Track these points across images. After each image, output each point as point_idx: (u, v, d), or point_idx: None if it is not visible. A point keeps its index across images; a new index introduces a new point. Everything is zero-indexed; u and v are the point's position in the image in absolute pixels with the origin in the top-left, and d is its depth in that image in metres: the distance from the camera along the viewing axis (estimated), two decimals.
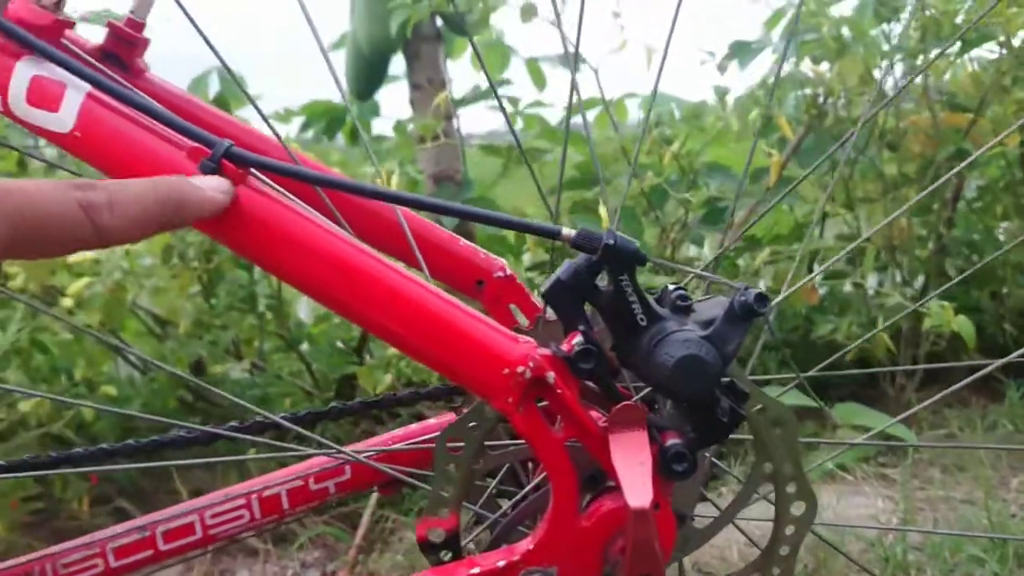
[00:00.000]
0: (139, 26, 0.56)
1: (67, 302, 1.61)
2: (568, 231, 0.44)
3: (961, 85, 1.91)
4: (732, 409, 0.46)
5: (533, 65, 2.47)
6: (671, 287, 0.47)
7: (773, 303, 0.47)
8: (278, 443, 0.62)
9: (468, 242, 0.65)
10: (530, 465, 0.62)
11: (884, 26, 2.04)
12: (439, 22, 2.34)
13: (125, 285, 1.61)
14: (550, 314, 0.48)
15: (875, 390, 1.95)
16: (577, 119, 2.23)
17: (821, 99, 1.90)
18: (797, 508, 0.51)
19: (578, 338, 0.44)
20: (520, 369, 0.43)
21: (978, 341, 1.56)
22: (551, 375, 0.44)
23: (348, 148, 2.60)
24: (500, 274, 0.64)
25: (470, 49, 2.43)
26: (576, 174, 2.41)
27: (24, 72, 0.43)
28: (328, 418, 0.65)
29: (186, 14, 0.50)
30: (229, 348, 1.85)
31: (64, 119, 0.43)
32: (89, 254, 1.58)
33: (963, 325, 1.50)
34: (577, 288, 0.45)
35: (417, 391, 0.66)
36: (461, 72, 2.38)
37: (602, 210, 1.51)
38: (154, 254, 1.58)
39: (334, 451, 0.59)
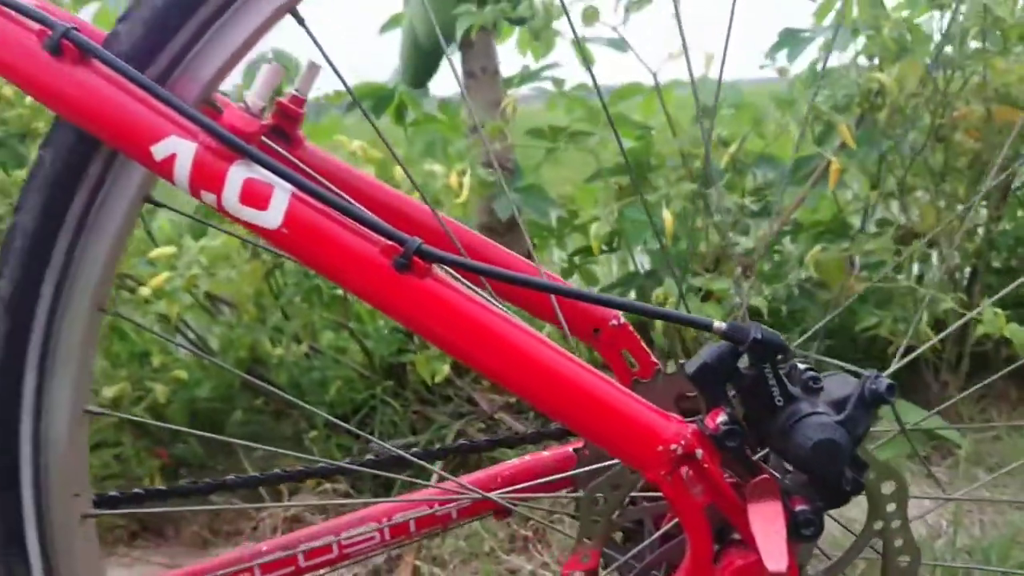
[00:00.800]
0: (301, 102, 0.61)
1: (144, 291, 1.68)
2: (719, 324, 0.49)
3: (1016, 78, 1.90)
4: (854, 479, 0.52)
5: (578, 46, 2.48)
6: (801, 367, 0.52)
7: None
8: (415, 480, 0.68)
9: (573, 285, 0.70)
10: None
11: (936, 13, 2.04)
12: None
13: (199, 278, 1.68)
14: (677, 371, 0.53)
15: (919, 387, 1.99)
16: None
17: (876, 95, 1.91)
18: (903, 560, 0.56)
19: (722, 417, 0.50)
20: (673, 447, 0.49)
21: None
22: (699, 452, 0.49)
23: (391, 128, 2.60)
24: (615, 323, 0.70)
25: (516, 31, 2.43)
26: (624, 161, 2.43)
27: (237, 175, 0.49)
28: (456, 453, 0.71)
29: (303, 26, 0.55)
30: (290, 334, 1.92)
31: (272, 217, 0.48)
32: (167, 249, 1.65)
33: (1016, 332, 1.53)
34: (721, 371, 0.50)
35: (540, 431, 0.71)
36: (506, 54, 2.39)
37: (667, 214, 1.55)
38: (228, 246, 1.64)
39: (479, 495, 0.65)
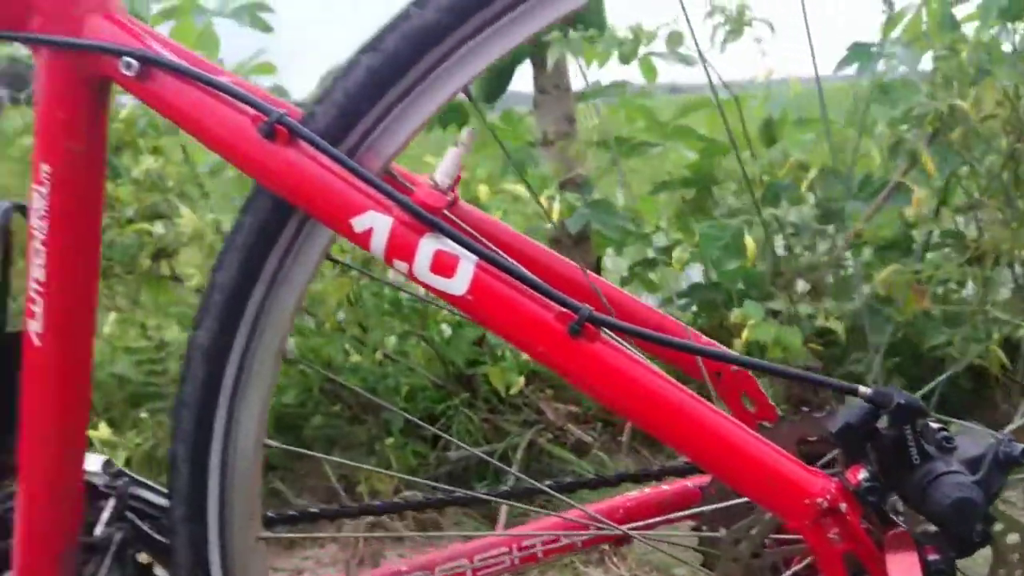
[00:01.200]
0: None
1: None
2: (865, 390, 0.53)
3: None
4: (983, 531, 0.56)
5: (647, 62, 2.51)
6: (935, 427, 0.56)
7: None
8: (568, 521, 0.73)
9: (709, 339, 0.74)
10: None
11: (1009, 25, 2.04)
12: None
13: None
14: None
15: (987, 408, 1.99)
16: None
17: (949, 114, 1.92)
18: None
19: (864, 474, 0.54)
20: (820, 500, 0.53)
21: None
22: (843, 506, 0.54)
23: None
24: (735, 368, 0.74)
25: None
26: (687, 173, 2.46)
27: (428, 246, 0.54)
28: (588, 487, 0.76)
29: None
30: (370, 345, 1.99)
31: (458, 284, 0.54)
32: None
33: None
34: (862, 430, 0.54)
35: (664, 467, 0.76)
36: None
37: (749, 240, 1.59)
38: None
39: (612, 528, 0.70)
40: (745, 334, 1.53)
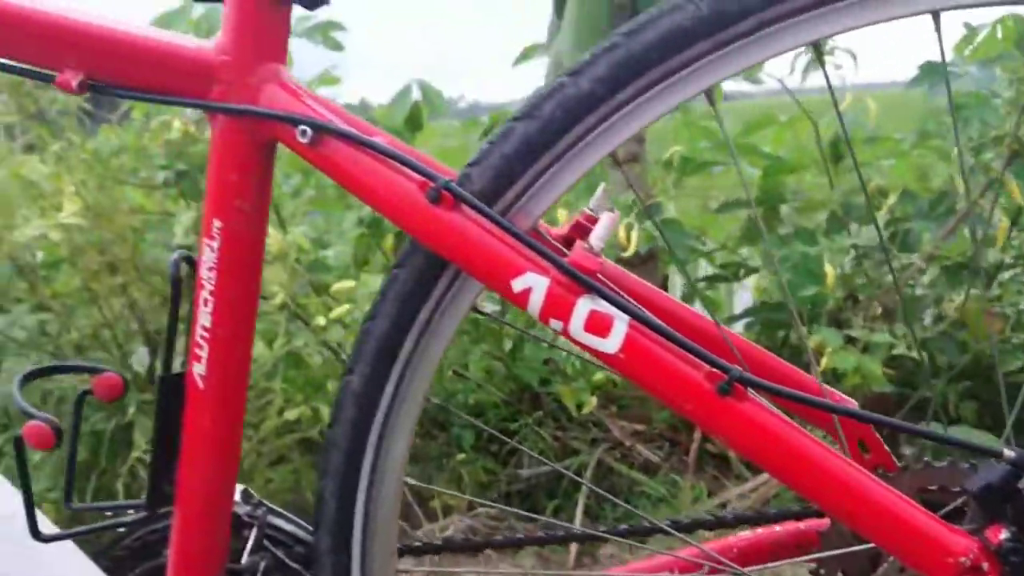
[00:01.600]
0: (594, 220, 0.69)
1: (319, 320, 1.82)
2: (1010, 453, 0.55)
3: None
4: None
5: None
6: None
7: None
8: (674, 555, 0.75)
9: (842, 395, 0.76)
10: None
11: None
12: None
13: None
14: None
15: None
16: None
17: None
18: None
19: (1006, 534, 0.56)
20: (963, 559, 0.55)
21: None
22: (985, 565, 0.55)
23: None
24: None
25: None
26: (756, 193, 2.46)
27: (584, 306, 0.57)
28: (706, 527, 0.79)
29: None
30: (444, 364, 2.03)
31: (612, 344, 0.57)
32: (347, 283, 1.78)
33: None
34: (1003, 491, 0.56)
35: (780, 510, 0.78)
36: None
37: (828, 268, 1.60)
38: None
39: (730, 568, 0.73)
40: (824, 362, 1.54)
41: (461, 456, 2.05)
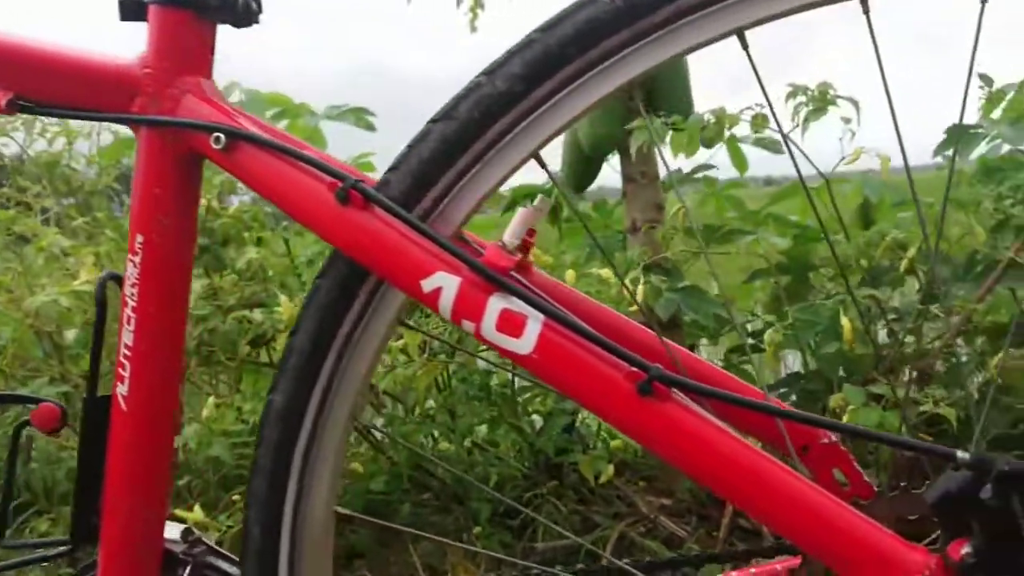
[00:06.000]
0: (533, 232, 0.67)
1: None
2: (963, 455, 0.49)
3: None
4: None
5: (734, 146, 2.50)
6: None
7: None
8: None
9: (791, 407, 0.71)
10: None
11: None
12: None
13: (379, 374, 1.78)
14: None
15: None
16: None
17: None
18: None
19: (967, 548, 0.50)
20: None
21: None
22: None
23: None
24: (825, 440, 0.70)
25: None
26: (783, 260, 2.41)
27: (495, 305, 0.54)
28: (670, 567, 0.73)
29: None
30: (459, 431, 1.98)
31: (525, 344, 0.53)
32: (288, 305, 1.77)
33: None
34: (963, 501, 0.50)
35: (750, 548, 0.72)
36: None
37: (845, 321, 1.53)
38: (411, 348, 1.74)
39: None
40: (846, 418, 1.46)
41: (477, 529, 1.98)
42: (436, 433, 2.02)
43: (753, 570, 0.74)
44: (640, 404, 0.52)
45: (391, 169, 0.60)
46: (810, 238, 2.44)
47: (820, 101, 1.45)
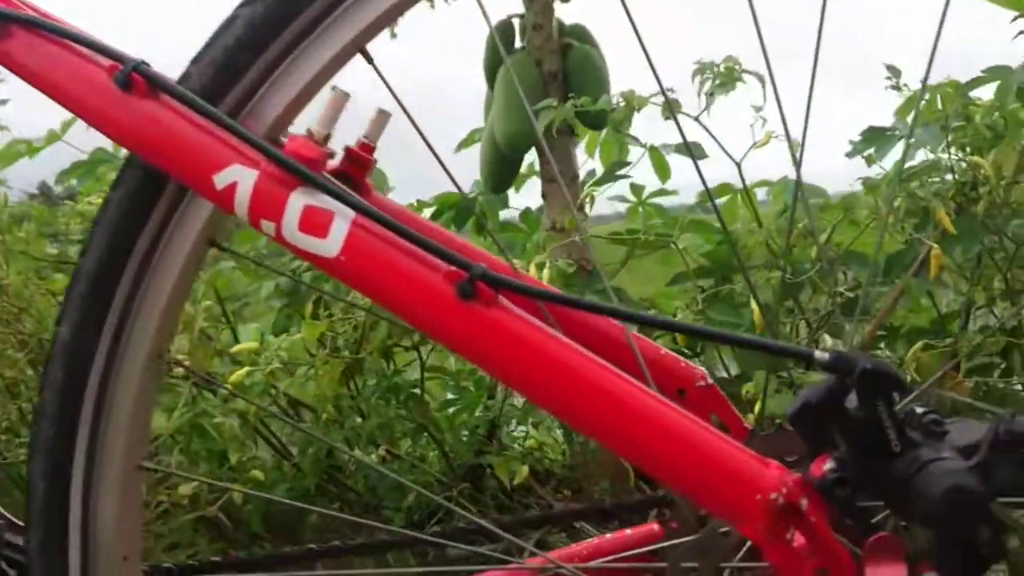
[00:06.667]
0: (370, 149, 0.60)
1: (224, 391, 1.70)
2: (821, 354, 0.43)
3: None
4: (992, 541, 0.44)
5: (656, 154, 2.47)
6: (920, 410, 0.45)
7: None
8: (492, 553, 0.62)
9: (669, 351, 0.65)
10: None
11: None
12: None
13: (278, 374, 1.69)
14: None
15: None
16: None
17: (971, 187, 1.84)
18: None
19: (830, 464, 0.43)
20: (773, 496, 0.42)
21: None
22: (804, 502, 0.43)
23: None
24: (702, 383, 0.64)
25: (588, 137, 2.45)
26: (705, 263, 2.38)
27: (297, 201, 0.47)
28: (532, 525, 0.65)
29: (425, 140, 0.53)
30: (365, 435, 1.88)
31: (331, 245, 0.46)
32: (251, 344, 1.67)
33: None
34: (826, 412, 0.44)
35: (621, 503, 0.65)
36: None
37: (754, 305, 1.49)
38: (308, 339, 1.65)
39: (570, 570, 0.59)
40: (757, 407, 1.41)
41: None
42: (347, 439, 1.92)
43: (628, 531, 0.67)
44: (462, 309, 0.45)
45: (193, 61, 0.53)
46: (733, 241, 2.42)
47: (727, 76, 1.42)
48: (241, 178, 0.47)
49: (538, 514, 0.67)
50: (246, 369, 1.59)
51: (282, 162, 0.46)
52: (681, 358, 0.65)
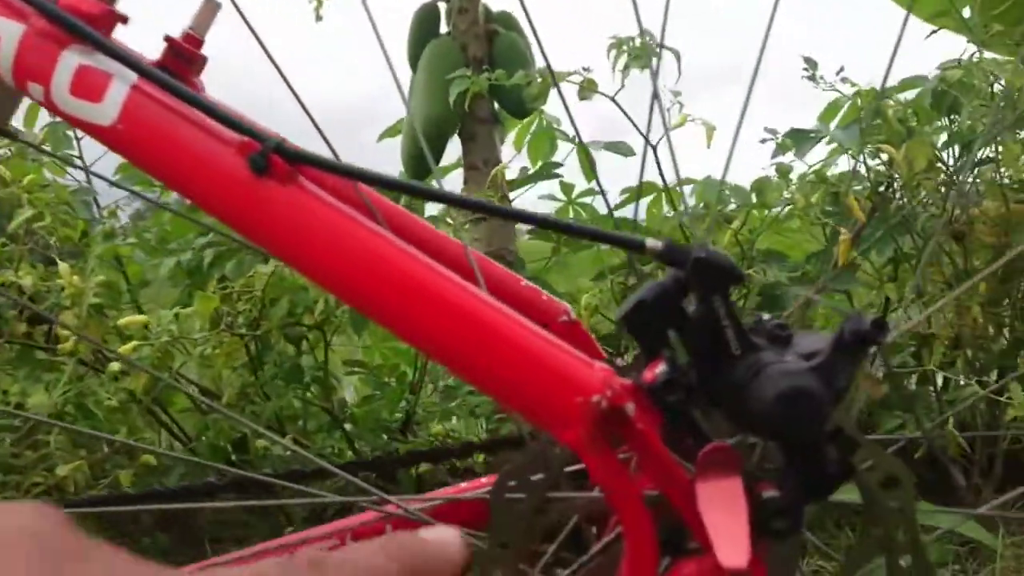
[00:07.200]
0: (198, 42, 0.53)
1: (114, 367, 1.60)
2: (653, 243, 0.39)
3: None
4: (840, 460, 0.40)
5: (584, 151, 2.46)
6: (766, 317, 0.41)
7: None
8: (322, 493, 0.56)
9: (531, 283, 0.60)
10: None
11: (944, 119, 2.00)
12: (495, 105, 2.37)
13: (172, 351, 1.60)
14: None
15: (947, 490, 1.82)
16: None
17: (884, 187, 1.85)
18: None
19: (662, 367, 0.39)
20: (595, 398, 0.37)
21: None
22: (630, 406, 0.38)
23: None
24: (564, 318, 0.59)
25: (515, 134, 2.43)
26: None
27: (70, 61, 0.41)
28: (371, 469, 0.59)
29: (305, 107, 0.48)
30: (272, 423, 1.79)
31: (107, 110, 0.40)
32: (140, 317, 1.57)
33: None
34: (661, 311, 0.39)
35: (471, 443, 0.60)
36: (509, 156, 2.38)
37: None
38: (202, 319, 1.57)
39: (414, 515, 0.53)
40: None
41: (289, 529, 1.79)
42: (247, 424, 1.83)
43: (484, 479, 0.62)
44: (254, 185, 0.39)
45: None
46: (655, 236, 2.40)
47: (641, 51, 1.39)
48: (5, 33, 0.41)
49: (379, 456, 0.61)
50: (133, 344, 1.49)
51: (60, 19, 0.40)
52: (544, 292, 0.60)
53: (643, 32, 1.39)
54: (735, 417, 0.39)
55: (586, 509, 0.45)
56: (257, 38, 0.46)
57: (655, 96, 0.69)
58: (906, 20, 0.63)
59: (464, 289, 0.38)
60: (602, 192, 1.96)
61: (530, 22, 0.63)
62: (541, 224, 0.40)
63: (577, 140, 2.24)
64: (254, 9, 0.49)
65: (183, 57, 0.53)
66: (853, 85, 1.82)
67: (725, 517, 0.37)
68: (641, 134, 1.65)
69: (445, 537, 0.29)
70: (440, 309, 0.38)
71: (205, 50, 0.45)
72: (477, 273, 0.48)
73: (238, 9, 0.46)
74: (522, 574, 0.44)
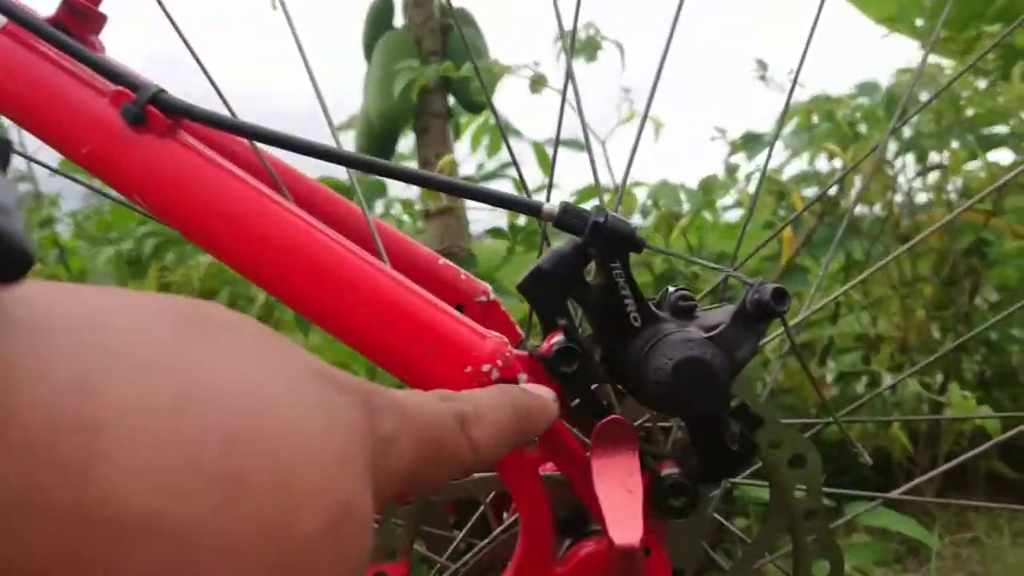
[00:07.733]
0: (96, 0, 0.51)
1: None
2: (551, 207, 0.37)
3: (978, 181, 1.88)
4: (743, 437, 0.38)
5: (539, 148, 2.45)
6: (672, 289, 0.40)
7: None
8: None
9: (448, 262, 0.58)
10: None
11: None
12: (450, 100, 2.35)
13: None
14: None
15: (889, 491, 1.84)
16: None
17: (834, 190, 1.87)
18: (819, 568, 0.42)
19: (558, 337, 0.37)
20: (486, 367, 0.35)
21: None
22: (523, 377, 0.36)
23: None
24: (483, 298, 0.57)
25: (470, 130, 2.42)
26: None
27: None
28: None
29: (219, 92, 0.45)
30: None
31: None
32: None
33: (987, 417, 1.41)
34: (560, 279, 0.38)
35: None
36: (463, 153, 2.37)
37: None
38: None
39: None
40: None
41: None
42: None
43: None
44: (128, 137, 0.36)
45: None
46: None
47: (590, 45, 1.38)
48: None
49: None
50: None
51: None
52: (462, 271, 0.59)
53: (589, 24, 1.38)
54: (635, 391, 0.38)
55: (482, 489, 0.43)
56: (175, 25, 0.44)
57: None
58: None
59: (355, 254, 0.36)
60: (549, 187, 1.93)
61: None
62: (440, 188, 0.38)
63: (503, 128, 2.24)
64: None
65: (79, 14, 0.50)
66: (803, 87, 1.84)
67: (619, 493, 0.35)
68: (589, 130, 1.64)
69: (544, 391, 0.33)
70: (326, 273, 0.36)
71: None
72: (377, 242, 0.45)
73: (163, 7, 0.43)
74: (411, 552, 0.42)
